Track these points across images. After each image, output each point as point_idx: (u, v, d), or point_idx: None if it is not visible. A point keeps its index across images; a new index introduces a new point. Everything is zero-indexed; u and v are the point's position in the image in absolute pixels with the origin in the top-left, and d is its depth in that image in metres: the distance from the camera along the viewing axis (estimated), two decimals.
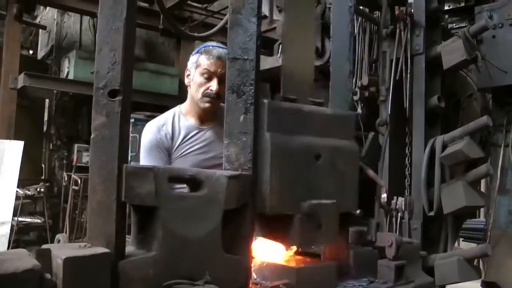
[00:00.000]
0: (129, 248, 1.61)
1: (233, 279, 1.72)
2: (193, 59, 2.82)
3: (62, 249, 1.40)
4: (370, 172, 2.56)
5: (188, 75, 2.84)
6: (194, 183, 1.69)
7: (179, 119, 2.85)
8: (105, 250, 1.43)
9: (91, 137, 1.54)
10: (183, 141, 2.80)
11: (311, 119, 1.96)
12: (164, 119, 2.86)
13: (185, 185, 1.80)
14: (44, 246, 1.43)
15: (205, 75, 2.72)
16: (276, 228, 1.86)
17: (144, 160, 2.76)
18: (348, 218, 2.17)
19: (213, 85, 2.72)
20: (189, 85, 2.85)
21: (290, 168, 1.83)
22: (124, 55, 1.55)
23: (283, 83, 2.02)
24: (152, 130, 2.81)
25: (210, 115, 2.85)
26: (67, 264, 1.31)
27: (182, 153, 2.79)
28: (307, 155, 1.89)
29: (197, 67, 2.76)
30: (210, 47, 2.80)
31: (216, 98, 2.74)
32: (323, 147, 1.93)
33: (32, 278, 1.26)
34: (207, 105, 2.75)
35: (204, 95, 2.74)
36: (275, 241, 1.93)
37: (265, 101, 1.82)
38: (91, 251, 1.40)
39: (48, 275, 1.32)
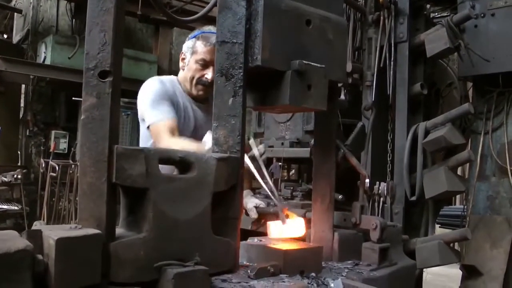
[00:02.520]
0: (119, 230, 1.61)
1: (222, 261, 1.75)
2: (189, 43, 2.77)
3: (53, 230, 1.39)
4: (354, 161, 2.60)
5: (183, 59, 2.80)
6: (184, 165, 1.70)
7: (178, 87, 2.81)
8: (97, 231, 1.43)
9: (81, 118, 1.52)
10: (180, 107, 2.76)
11: None
12: (166, 78, 2.83)
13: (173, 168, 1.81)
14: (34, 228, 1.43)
15: (201, 62, 2.69)
16: (267, 89, 1.90)
17: (154, 111, 2.63)
18: (336, 89, 2.20)
19: (209, 73, 2.69)
20: (183, 69, 2.82)
21: (282, 26, 1.84)
22: (114, 36, 1.54)
23: None
24: (157, 83, 2.74)
25: (202, 98, 2.85)
26: (60, 245, 1.30)
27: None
28: (298, 18, 1.90)
29: (193, 53, 2.72)
30: (208, 33, 2.74)
31: (210, 86, 2.71)
32: (313, 14, 1.95)
33: (24, 258, 1.25)
34: (200, 92, 2.74)
35: (198, 82, 2.71)
36: (266, 106, 1.97)
37: None
38: (83, 232, 1.40)
39: (39, 256, 1.32)
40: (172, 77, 2.88)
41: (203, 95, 2.75)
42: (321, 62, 1.93)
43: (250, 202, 2.93)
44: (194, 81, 2.72)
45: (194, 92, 2.74)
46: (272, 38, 1.80)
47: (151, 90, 2.71)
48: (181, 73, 2.84)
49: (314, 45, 1.95)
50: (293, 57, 1.84)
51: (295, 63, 1.82)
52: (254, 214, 2.92)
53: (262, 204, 2.97)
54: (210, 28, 2.80)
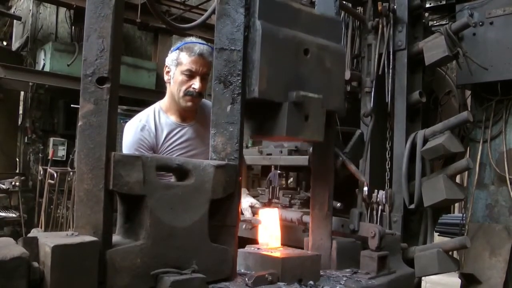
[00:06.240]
0: (115, 237, 1.60)
1: (220, 269, 1.73)
2: (173, 56, 2.72)
3: (49, 238, 1.38)
4: (353, 167, 2.59)
5: (168, 72, 2.76)
6: (181, 172, 1.69)
7: (160, 117, 2.78)
8: (93, 238, 1.42)
9: (79, 124, 1.52)
10: (166, 139, 2.75)
11: (301, 15, 1.97)
12: (145, 117, 2.78)
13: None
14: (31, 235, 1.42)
15: (187, 73, 2.66)
16: (265, 118, 1.89)
17: None
18: (333, 118, 2.21)
19: (196, 83, 2.66)
20: (169, 82, 2.77)
21: (279, 56, 1.84)
22: (112, 42, 1.53)
23: None
24: (134, 129, 2.72)
25: (191, 112, 2.81)
26: (56, 252, 1.30)
27: (165, 151, 2.74)
28: (296, 48, 1.90)
29: (178, 65, 2.68)
30: (191, 43, 2.71)
31: (198, 96, 2.70)
32: (311, 43, 1.95)
33: (20, 266, 1.25)
34: (189, 103, 2.70)
35: (186, 93, 2.68)
36: (263, 135, 1.97)
37: None
38: (79, 239, 1.39)
39: (35, 264, 1.31)
40: (154, 106, 2.84)
41: (192, 106, 2.73)
42: (319, 91, 1.93)
43: (245, 201, 2.89)
44: (181, 93, 2.68)
45: (183, 103, 2.71)
46: (269, 69, 1.80)
47: (126, 139, 2.73)
48: (167, 89, 2.81)
49: (311, 74, 1.95)
50: (290, 87, 1.84)
51: (293, 94, 1.83)
52: (249, 214, 2.89)
53: (257, 204, 2.94)
54: (192, 39, 2.78)
